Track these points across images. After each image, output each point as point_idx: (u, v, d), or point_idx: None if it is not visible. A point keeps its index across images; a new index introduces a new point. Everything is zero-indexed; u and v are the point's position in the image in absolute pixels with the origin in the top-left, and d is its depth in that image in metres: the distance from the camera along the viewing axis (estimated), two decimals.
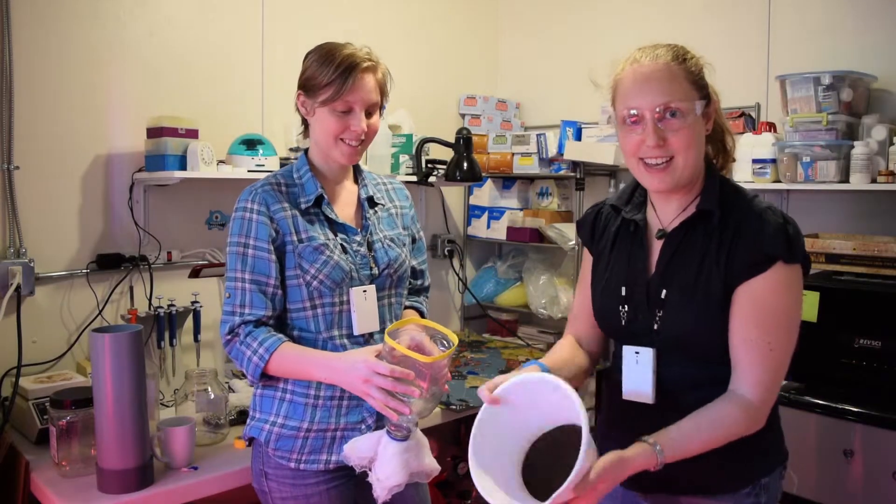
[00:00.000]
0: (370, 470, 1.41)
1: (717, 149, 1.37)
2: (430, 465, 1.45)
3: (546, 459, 1.19)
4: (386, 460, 1.38)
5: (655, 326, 1.29)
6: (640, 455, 1.15)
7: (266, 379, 1.49)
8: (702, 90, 1.27)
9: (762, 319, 1.20)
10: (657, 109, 1.23)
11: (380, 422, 1.54)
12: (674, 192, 1.31)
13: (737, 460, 1.25)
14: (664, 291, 1.28)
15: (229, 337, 1.48)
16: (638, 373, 1.31)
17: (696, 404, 1.22)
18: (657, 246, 1.33)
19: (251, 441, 1.58)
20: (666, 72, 1.25)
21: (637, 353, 1.30)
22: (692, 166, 1.27)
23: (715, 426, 1.19)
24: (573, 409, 1.11)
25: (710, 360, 1.26)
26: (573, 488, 1.06)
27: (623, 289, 1.35)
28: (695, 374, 1.28)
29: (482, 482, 1.15)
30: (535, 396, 1.18)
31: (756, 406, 1.20)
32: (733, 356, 1.23)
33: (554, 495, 1.06)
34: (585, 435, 1.07)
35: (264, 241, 1.49)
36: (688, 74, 1.26)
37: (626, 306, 1.34)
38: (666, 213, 1.34)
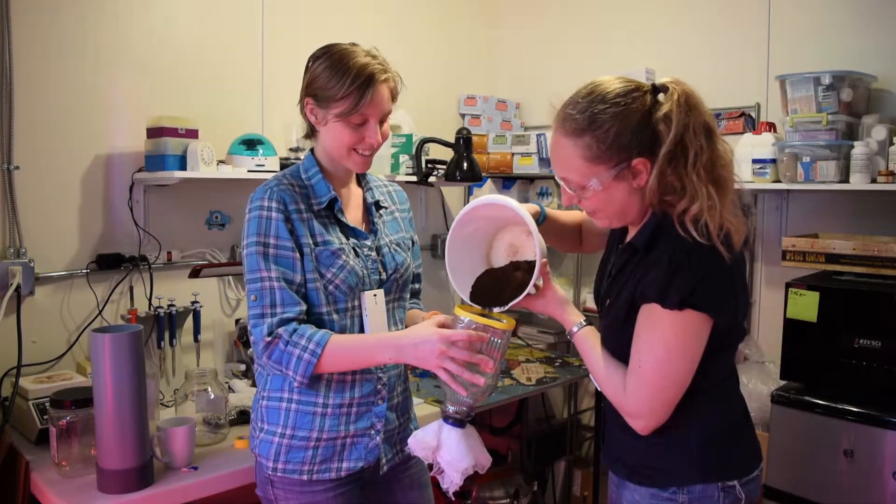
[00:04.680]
0: (436, 461, 1.39)
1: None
2: (486, 455, 1.44)
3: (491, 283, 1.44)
4: (453, 446, 1.37)
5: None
6: (571, 316, 1.39)
7: (311, 380, 1.43)
8: (613, 159, 1.23)
9: (635, 342, 1.27)
10: (560, 181, 1.32)
11: (388, 426, 1.55)
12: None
13: (668, 459, 1.31)
14: (608, 300, 1.39)
15: (269, 339, 1.40)
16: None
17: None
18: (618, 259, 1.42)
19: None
20: (559, 149, 1.29)
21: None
22: (622, 215, 1.32)
23: (611, 376, 1.31)
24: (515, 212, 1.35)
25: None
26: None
27: (600, 289, 1.47)
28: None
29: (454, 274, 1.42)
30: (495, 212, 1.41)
31: (626, 411, 1.29)
32: None
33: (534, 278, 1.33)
34: (533, 227, 1.32)
35: (286, 240, 1.44)
36: (586, 150, 1.23)
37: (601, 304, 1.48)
38: (631, 231, 1.40)
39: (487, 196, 1.41)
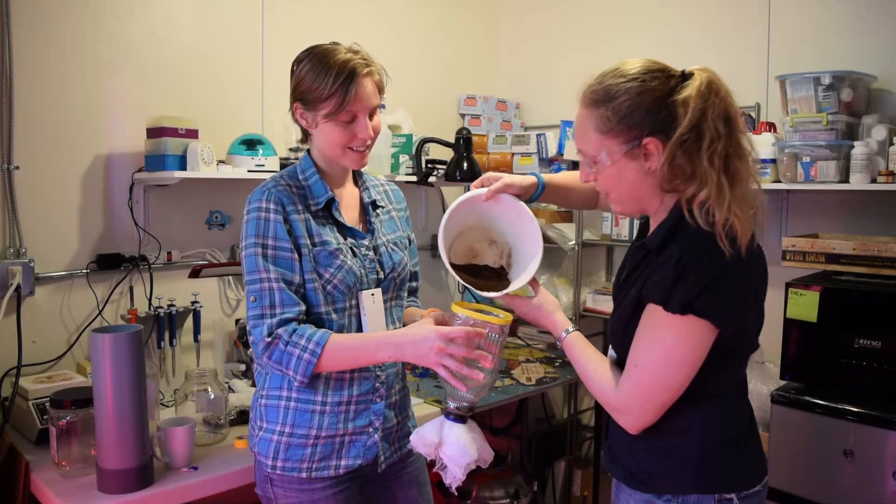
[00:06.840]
0: (438, 456, 1.40)
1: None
2: (489, 450, 1.45)
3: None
4: (454, 441, 1.38)
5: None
6: (558, 322, 1.40)
7: (312, 379, 1.44)
8: (623, 134, 1.23)
9: (636, 341, 1.27)
10: (579, 154, 1.33)
11: (386, 423, 1.55)
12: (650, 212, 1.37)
13: (665, 465, 1.30)
14: (619, 297, 1.39)
15: (269, 339, 1.40)
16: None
17: None
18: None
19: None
20: (578, 120, 1.30)
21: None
22: (635, 199, 1.31)
23: (600, 378, 1.31)
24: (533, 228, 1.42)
25: None
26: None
27: (617, 284, 1.46)
28: None
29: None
30: (509, 210, 1.43)
31: (614, 406, 1.29)
32: None
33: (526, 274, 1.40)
34: (539, 246, 1.39)
35: (285, 241, 1.44)
36: (600, 122, 1.24)
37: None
38: (652, 227, 1.38)
39: (520, 203, 1.44)
